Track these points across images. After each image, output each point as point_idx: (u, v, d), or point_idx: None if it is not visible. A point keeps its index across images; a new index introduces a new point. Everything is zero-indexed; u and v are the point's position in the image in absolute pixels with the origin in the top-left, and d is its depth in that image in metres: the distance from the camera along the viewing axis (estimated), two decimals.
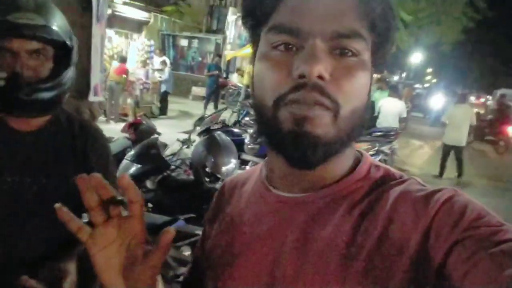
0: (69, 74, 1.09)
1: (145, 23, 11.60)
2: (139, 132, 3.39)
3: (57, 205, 0.52)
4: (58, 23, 1.05)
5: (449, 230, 0.45)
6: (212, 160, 3.19)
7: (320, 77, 0.47)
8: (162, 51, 11.89)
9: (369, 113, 0.57)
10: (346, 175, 0.56)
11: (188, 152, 3.71)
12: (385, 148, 6.02)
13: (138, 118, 3.78)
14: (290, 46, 0.50)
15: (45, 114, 1.11)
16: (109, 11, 9.07)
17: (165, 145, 3.47)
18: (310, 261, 0.51)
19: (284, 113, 0.49)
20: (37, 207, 1.05)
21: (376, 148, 5.85)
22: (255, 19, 0.54)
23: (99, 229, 0.53)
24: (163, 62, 10.06)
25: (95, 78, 3.80)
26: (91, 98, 3.36)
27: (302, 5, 0.49)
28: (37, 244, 1.06)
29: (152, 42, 12.04)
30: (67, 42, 1.06)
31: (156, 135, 3.43)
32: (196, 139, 3.76)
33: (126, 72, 8.70)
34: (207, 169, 3.16)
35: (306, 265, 0.51)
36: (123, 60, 8.98)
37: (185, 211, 2.46)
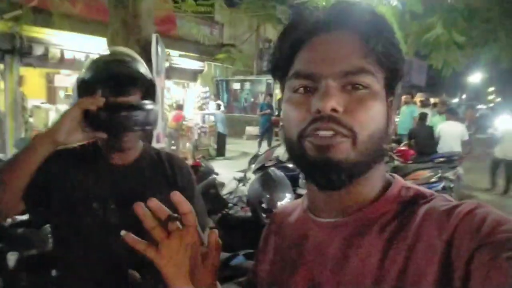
0: (154, 107, 1.27)
1: (200, 71, 12.24)
2: (199, 174, 3.57)
3: (123, 232, 0.63)
4: (143, 70, 1.28)
5: (469, 239, 0.48)
6: (268, 196, 3.26)
7: (334, 110, 0.55)
8: (217, 95, 12.45)
9: (390, 136, 0.63)
10: (377, 198, 0.61)
11: (244, 189, 3.83)
12: (449, 174, 5.74)
13: (197, 160, 3.99)
14: (308, 88, 0.59)
15: (134, 130, 1.25)
16: (167, 64, 9.74)
17: (222, 184, 3.61)
18: (345, 282, 0.57)
19: (308, 144, 0.57)
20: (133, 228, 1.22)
21: (439, 175, 5.60)
22: (280, 71, 0.65)
23: (163, 244, 0.63)
24: (217, 105, 10.51)
25: (157, 127, 4.13)
26: (154, 145, 3.63)
27: (313, 54, 0.59)
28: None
29: (207, 88, 12.66)
30: (151, 80, 1.29)
31: (214, 176, 3.59)
32: (252, 176, 3.87)
33: (183, 118, 9.19)
34: (263, 205, 3.23)
35: (341, 286, 0.57)
36: (179, 107, 9.53)
37: (244, 247, 2.53)
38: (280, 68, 0.65)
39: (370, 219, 0.59)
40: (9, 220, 3.14)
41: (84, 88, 1.23)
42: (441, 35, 4.11)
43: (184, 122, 9.18)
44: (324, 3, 6.24)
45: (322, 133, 0.56)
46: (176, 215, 0.63)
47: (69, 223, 1.22)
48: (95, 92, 1.19)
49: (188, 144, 9.57)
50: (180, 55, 10.90)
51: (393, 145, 7.39)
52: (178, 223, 0.64)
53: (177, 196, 0.62)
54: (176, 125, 9.15)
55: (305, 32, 0.61)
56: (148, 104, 1.24)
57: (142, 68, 1.26)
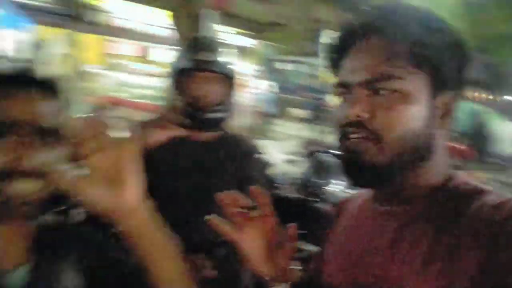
0: (232, 99, 1.44)
1: (253, 49, 12.28)
2: None
3: (207, 217, 0.71)
4: (224, 60, 1.42)
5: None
6: (317, 180, 3.28)
7: (359, 116, 0.60)
8: (266, 75, 12.41)
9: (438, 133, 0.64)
10: (434, 190, 0.64)
11: (292, 172, 3.86)
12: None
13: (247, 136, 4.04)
14: (344, 94, 0.65)
15: (215, 129, 1.44)
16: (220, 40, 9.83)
17: (270, 165, 3.66)
18: (395, 267, 0.61)
19: (342, 146, 0.65)
20: (207, 200, 1.32)
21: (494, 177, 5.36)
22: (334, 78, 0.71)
23: (245, 229, 0.71)
24: (269, 86, 10.53)
25: None
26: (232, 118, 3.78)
27: (348, 63, 0.65)
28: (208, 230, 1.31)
29: (259, 67, 12.68)
30: (230, 73, 1.41)
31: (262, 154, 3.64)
32: (301, 159, 3.89)
33: None
34: (310, 189, 3.26)
35: (392, 271, 0.61)
36: None
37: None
38: (333, 74, 0.71)
39: (424, 209, 0.63)
40: None
41: (175, 79, 1.40)
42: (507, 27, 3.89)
43: None
44: None
45: (352, 136, 0.62)
46: (255, 204, 0.71)
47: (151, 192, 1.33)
48: (183, 87, 1.36)
49: (235, 122, 9.70)
50: (234, 32, 10.94)
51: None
52: (255, 211, 0.72)
53: (255, 190, 0.71)
54: None
55: (345, 42, 0.66)
56: (228, 101, 1.40)
57: (222, 64, 1.38)
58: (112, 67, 11.32)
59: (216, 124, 1.42)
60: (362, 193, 0.80)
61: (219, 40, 1.57)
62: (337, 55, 0.68)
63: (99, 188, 0.51)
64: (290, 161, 3.80)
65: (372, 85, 0.61)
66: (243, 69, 12.45)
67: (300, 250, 2.34)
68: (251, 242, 0.72)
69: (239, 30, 10.85)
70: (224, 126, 1.48)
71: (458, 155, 6.07)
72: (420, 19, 0.61)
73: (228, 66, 1.43)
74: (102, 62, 11.56)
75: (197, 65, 1.35)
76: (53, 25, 8.43)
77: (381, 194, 0.69)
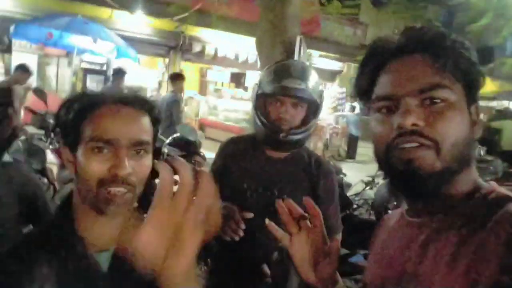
0: (314, 122, 1.47)
1: (339, 72, 12.28)
2: None
3: (267, 221, 0.82)
4: (313, 86, 1.43)
5: None
6: (395, 202, 3.22)
7: (415, 124, 0.61)
8: (354, 97, 12.29)
9: (476, 143, 0.67)
10: (464, 201, 0.65)
11: (371, 193, 3.81)
12: None
13: (321, 157, 4.09)
14: (389, 108, 0.66)
15: (292, 150, 1.50)
16: (308, 64, 10.00)
17: (349, 185, 3.67)
18: (422, 274, 0.64)
19: (394, 158, 0.64)
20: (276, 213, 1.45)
21: None
22: (364, 95, 0.74)
23: (295, 237, 0.80)
24: (352, 107, 10.40)
25: None
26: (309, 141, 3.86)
27: (391, 76, 0.67)
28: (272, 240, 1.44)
29: (344, 89, 12.62)
30: (317, 100, 1.44)
31: (341, 176, 3.67)
32: (380, 181, 3.83)
33: None
34: (389, 211, 3.20)
35: (420, 277, 0.64)
36: None
37: (364, 248, 2.58)
38: (364, 92, 0.73)
39: (452, 219, 0.63)
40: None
41: (259, 102, 1.47)
42: None
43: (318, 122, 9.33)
44: (482, 4, 5.71)
45: (407, 145, 0.62)
46: (306, 215, 0.81)
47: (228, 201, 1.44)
48: (266, 109, 1.43)
49: (319, 144, 9.71)
50: (321, 55, 11.07)
51: None
52: (308, 222, 0.80)
53: (309, 201, 0.79)
54: None
55: (382, 59, 0.69)
56: (308, 126, 1.42)
57: (308, 91, 1.40)
58: (205, 92, 12.15)
59: (295, 145, 1.46)
60: (399, 210, 0.82)
61: (309, 65, 1.58)
62: (371, 73, 0.70)
63: (157, 244, 0.46)
64: (368, 183, 3.76)
65: (424, 94, 0.62)
66: (330, 91, 12.49)
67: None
68: (299, 249, 0.80)
69: (326, 54, 10.94)
70: (302, 146, 1.53)
71: None
72: (446, 38, 0.66)
73: (316, 93, 1.43)
74: (198, 88, 12.49)
75: (284, 91, 1.39)
76: (156, 55, 9.39)
77: (413, 207, 0.72)
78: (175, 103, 5.84)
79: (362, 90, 0.74)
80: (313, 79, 1.44)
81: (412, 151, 0.62)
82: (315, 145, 9.70)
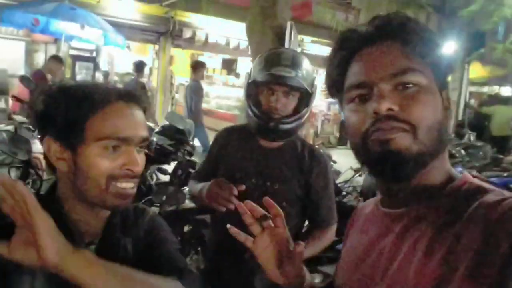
0: (306, 112, 1.45)
1: (332, 60, 12.19)
2: None
3: (228, 226, 0.81)
4: (304, 74, 1.41)
5: (510, 230, 0.52)
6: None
7: (390, 109, 0.62)
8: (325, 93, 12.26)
9: (448, 127, 0.68)
10: (438, 191, 0.66)
11: (360, 180, 3.83)
12: None
13: (316, 146, 4.10)
14: (363, 96, 0.67)
15: (284, 140, 1.49)
16: (299, 50, 9.94)
17: (338, 173, 3.68)
18: (398, 266, 0.64)
19: (371, 142, 0.64)
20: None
21: None
22: (335, 87, 0.74)
23: (258, 237, 0.80)
24: None
25: None
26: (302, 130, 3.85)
27: (363, 65, 0.67)
28: None
29: None
30: (308, 89, 1.43)
31: (331, 163, 3.67)
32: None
33: None
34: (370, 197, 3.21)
35: (395, 269, 0.64)
36: None
37: None
38: (335, 84, 0.74)
39: (428, 210, 0.64)
40: (154, 178, 3.72)
41: (250, 91, 1.47)
42: None
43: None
44: None
45: (384, 127, 0.63)
46: (268, 214, 0.80)
47: None
48: (257, 98, 1.43)
49: (311, 130, 9.72)
50: (313, 41, 11.00)
51: None
52: (270, 222, 0.80)
53: (268, 201, 0.79)
54: None
55: (351, 49, 0.69)
56: (300, 115, 1.41)
57: (299, 79, 1.39)
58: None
59: (287, 135, 1.45)
60: (373, 200, 0.83)
61: (300, 53, 1.54)
62: (342, 62, 0.71)
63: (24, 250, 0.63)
64: (358, 170, 3.77)
65: (396, 79, 0.63)
66: (322, 77, 12.44)
67: None
68: (263, 250, 0.80)
69: (318, 39, 10.86)
70: (295, 135, 1.52)
71: None
72: (413, 23, 0.67)
73: (307, 81, 1.41)
74: (189, 74, 12.37)
75: (274, 79, 1.37)
76: (145, 41, 9.27)
77: (387, 198, 0.73)
78: (200, 90, 6.32)
79: (333, 82, 0.74)
80: (305, 67, 1.42)
81: (388, 132, 0.62)
82: (307, 131, 9.72)
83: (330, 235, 1.56)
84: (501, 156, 5.23)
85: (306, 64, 1.44)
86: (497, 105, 8.64)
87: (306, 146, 1.53)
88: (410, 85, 0.63)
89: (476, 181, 0.66)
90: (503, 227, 0.53)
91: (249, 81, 1.46)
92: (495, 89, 13.07)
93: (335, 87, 0.74)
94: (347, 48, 0.70)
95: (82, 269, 0.64)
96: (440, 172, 0.67)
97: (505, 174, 4.70)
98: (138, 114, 0.82)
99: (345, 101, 0.71)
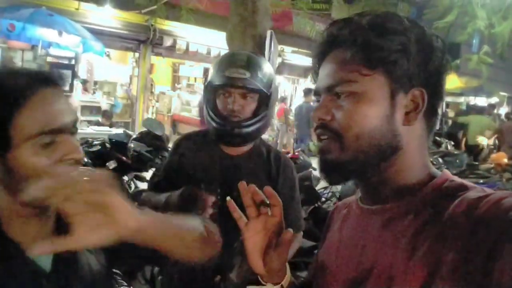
0: (267, 114, 1.40)
1: (311, 68, 12.35)
2: (296, 167, 3.69)
3: (228, 198, 0.79)
4: (260, 76, 1.37)
5: (494, 226, 0.52)
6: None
7: (321, 119, 0.67)
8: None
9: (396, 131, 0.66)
10: (418, 188, 0.65)
11: (339, 186, 3.86)
12: None
13: (296, 153, 4.12)
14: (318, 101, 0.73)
15: (245, 144, 1.43)
16: (279, 60, 10.03)
17: (318, 179, 3.69)
18: (380, 262, 0.64)
19: (318, 147, 0.71)
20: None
21: None
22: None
23: (252, 221, 0.77)
24: None
25: None
26: (265, 133, 3.83)
27: (320, 72, 0.72)
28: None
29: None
30: (265, 90, 1.38)
31: (311, 170, 3.69)
32: None
33: (285, 111, 9.37)
34: None
35: (378, 265, 0.64)
36: (282, 100, 9.74)
37: None
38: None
39: (408, 206, 0.64)
40: (133, 187, 3.65)
41: (208, 94, 1.42)
42: None
43: (290, 117, 9.38)
44: (448, 2, 5.85)
45: (321, 137, 0.69)
46: (267, 202, 0.78)
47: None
48: (214, 102, 1.38)
49: (292, 140, 9.78)
50: (293, 51, 11.11)
51: None
52: (268, 209, 0.78)
53: (269, 190, 0.77)
54: (282, 119, 9.41)
55: (320, 55, 0.73)
56: (259, 118, 1.36)
57: (255, 81, 1.34)
58: (178, 88, 12.00)
59: (248, 139, 1.40)
60: (350, 199, 0.83)
61: (255, 55, 1.48)
62: (316, 64, 0.75)
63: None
64: None
65: (333, 90, 0.67)
66: (303, 87, 12.57)
67: None
68: (253, 235, 0.77)
69: (299, 49, 10.99)
70: (259, 140, 1.46)
71: None
72: (377, 24, 0.65)
73: (264, 83, 1.37)
74: (171, 84, 12.33)
75: (227, 81, 1.33)
76: (125, 49, 9.19)
77: (366, 195, 0.73)
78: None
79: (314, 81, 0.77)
80: (261, 69, 1.38)
81: (323, 142, 0.69)
82: (288, 140, 9.76)
83: (297, 242, 1.52)
84: (476, 163, 5.35)
85: (263, 66, 1.40)
86: (473, 115, 8.88)
87: (271, 152, 1.49)
88: (345, 95, 0.66)
89: (457, 178, 0.66)
90: (486, 223, 0.52)
91: (206, 84, 1.43)
92: (471, 99, 13.43)
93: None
94: (318, 51, 0.74)
95: (153, 225, 0.65)
96: (420, 170, 0.67)
97: (481, 181, 4.81)
98: (62, 96, 0.72)
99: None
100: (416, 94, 0.65)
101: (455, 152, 5.99)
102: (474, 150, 7.59)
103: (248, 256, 0.78)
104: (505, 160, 6.17)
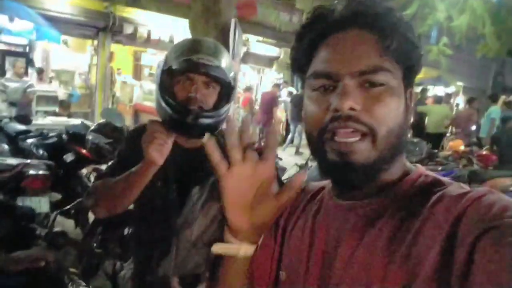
0: (228, 107, 1.32)
1: (276, 58, 12.33)
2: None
3: (205, 137, 0.65)
4: (226, 66, 1.29)
5: (475, 223, 0.49)
6: None
7: (352, 109, 0.57)
8: (291, 83, 12.47)
9: (408, 129, 0.65)
10: (395, 184, 0.62)
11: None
12: None
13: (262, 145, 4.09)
14: (326, 87, 0.61)
15: (202, 136, 1.31)
16: (244, 49, 9.94)
17: (284, 169, 3.68)
18: (357, 260, 0.59)
19: (328, 148, 0.60)
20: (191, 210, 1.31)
21: None
22: (300, 69, 0.67)
23: (237, 166, 0.64)
24: (289, 93, 10.54)
25: (229, 109, 4.28)
26: (224, 125, 3.75)
27: (331, 53, 0.61)
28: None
29: (281, 75, 12.73)
30: (231, 82, 1.30)
31: (276, 160, 3.68)
32: (313, 164, 3.90)
33: (250, 101, 9.33)
34: None
35: (355, 258, 0.59)
36: (248, 89, 9.69)
37: None
38: (299, 66, 0.67)
39: (385, 203, 0.61)
40: (92, 180, 3.51)
41: (165, 80, 1.29)
42: None
43: (256, 107, 9.36)
44: None
45: (342, 131, 0.58)
46: (255, 143, 0.66)
47: (137, 199, 1.31)
48: (172, 88, 1.26)
49: (257, 129, 9.76)
50: (258, 41, 11.05)
51: (474, 148, 6.92)
52: (256, 154, 0.65)
53: (271, 128, 0.67)
54: (248, 108, 9.37)
55: (322, 31, 0.62)
56: (221, 110, 1.28)
57: (222, 70, 1.27)
58: (140, 77, 11.68)
59: (206, 131, 1.27)
60: (324, 184, 0.75)
61: (220, 45, 1.38)
62: (309, 46, 0.64)
63: None
64: (302, 166, 3.81)
65: (364, 77, 0.58)
66: (268, 77, 12.56)
67: None
68: (235, 182, 0.64)
69: (264, 39, 10.94)
70: (214, 133, 1.33)
71: (479, 161, 5.86)
72: (393, 15, 0.61)
73: (228, 74, 1.29)
74: (132, 72, 11.98)
75: (194, 66, 1.23)
76: (83, 36, 8.82)
77: (345, 190, 0.66)
78: None
79: (299, 63, 0.67)
80: (226, 59, 1.30)
81: (348, 145, 0.58)
82: (253, 130, 9.74)
83: None
84: (435, 151, 5.53)
85: (227, 56, 1.33)
86: (432, 104, 9.19)
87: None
88: (377, 85, 0.58)
89: (430, 173, 0.64)
90: (469, 219, 0.50)
91: (164, 68, 1.29)
92: (430, 89, 13.90)
93: (299, 67, 0.68)
94: (318, 28, 0.63)
95: None
96: (398, 166, 0.64)
97: (440, 168, 4.98)
98: None
99: (307, 86, 0.65)
100: (411, 92, 0.64)
101: (415, 140, 6.16)
102: (434, 139, 7.86)
103: (226, 208, 0.67)
104: (462, 148, 6.46)
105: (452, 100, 11.76)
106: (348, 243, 0.61)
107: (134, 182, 1.24)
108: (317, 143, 0.61)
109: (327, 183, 0.75)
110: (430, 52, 7.18)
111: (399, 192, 0.61)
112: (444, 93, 13.24)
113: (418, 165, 0.67)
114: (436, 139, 8.26)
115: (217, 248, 0.70)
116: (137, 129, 1.46)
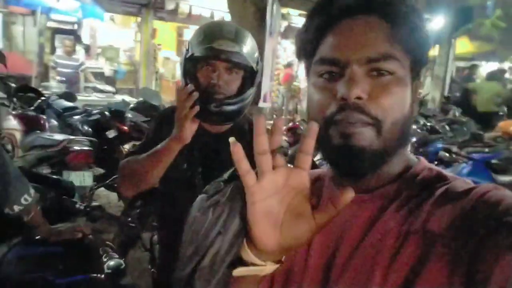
0: (251, 92, 1.32)
1: (304, 31, 12.02)
2: (296, 136, 3.66)
3: (232, 139, 0.53)
4: (248, 51, 1.28)
5: (482, 220, 0.49)
6: None
7: (359, 97, 0.56)
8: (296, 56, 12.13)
9: (414, 119, 0.63)
10: (399, 177, 0.62)
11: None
12: None
13: (297, 123, 4.07)
14: (333, 74, 0.59)
15: (227, 123, 1.35)
16: (286, 23, 9.75)
17: (318, 149, 3.65)
18: (363, 254, 0.58)
19: (334, 131, 0.58)
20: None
21: None
22: (305, 54, 0.65)
23: (267, 176, 0.52)
24: None
25: (265, 87, 4.25)
26: (261, 104, 3.74)
27: (339, 39, 0.59)
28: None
29: None
30: (253, 66, 1.29)
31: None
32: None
33: (291, 77, 9.18)
34: None
35: (360, 258, 0.58)
36: (289, 65, 9.53)
37: None
38: (306, 51, 0.65)
39: (391, 196, 0.60)
40: None
41: (189, 67, 1.30)
42: None
43: (295, 83, 9.24)
44: None
45: (349, 120, 0.57)
46: (284, 147, 0.62)
47: (163, 181, 1.34)
48: (196, 75, 1.27)
49: (299, 106, 9.68)
50: (300, 14, 10.79)
51: None
52: (284, 161, 0.53)
53: (311, 129, 0.52)
54: (287, 85, 9.27)
55: (330, 16, 0.60)
56: (245, 95, 1.28)
57: (243, 56, 1.26)
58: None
59: (230, 118, 1.30)
60: (324, 174, 0.72)
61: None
62: (317, 30, 0.62)
63: None
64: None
65: (372, 65, 0.57)
66: None
67: None
68: (265, 196, 0.52)
69: (305, 12, 10.66)
70: (238, 119, 1.35)
71: None
72: (405, 3, 0.59)
73: (252, 58, 1.28)
74: (176, 48, 12.13)
75: (215, 53, 1.22)
76: (126, 13, 9.01)
77: (347, 182, 0.62)
78: None
79: (304, 47, 0.65)
80: (249, 43, 1.29)
81: (351, 126, 0.56)
82: (301, 106, 9.63)
83: None
84: (480, 132, 5.24)
85: (250, 40, 1.31)
86: (483, 81, 8.65)
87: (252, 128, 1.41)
88: (385, 73, 0.57)
89: (434, 167, 0.63)
90: (477, 215, 0.50)
91: (187, 56, 1.29)
92: (482, 64, 13.07)
93: (305, 52, 0.66)
94: (326, 14, 0.61)
95: None
96: (400, 158, 0.63)
97: (486, 149, 4.73)
98: None
99: (312, 72, 0.63)
100: (416, 85, 0.62)
101: (463, 120, 5.87)
102: (484, 118, 7.44)
103: (254, 228, 0.54)
104: None
105: (507, 76, 10.96)
106: (351, 236, 0.61)
107: (158, 159, 1.26)
108: (323, 129, 0.57)
109: (321, 172, 0.74)
110: (483, 25, 6.72)
111: (403, 186, 0.61)
112: (497, 68, 12.42)
113: (421, 157, 0.66)
114: (487, 118, 7.81)
115: (239, 272, 0.58)
116: (166, 110, 1.49)
